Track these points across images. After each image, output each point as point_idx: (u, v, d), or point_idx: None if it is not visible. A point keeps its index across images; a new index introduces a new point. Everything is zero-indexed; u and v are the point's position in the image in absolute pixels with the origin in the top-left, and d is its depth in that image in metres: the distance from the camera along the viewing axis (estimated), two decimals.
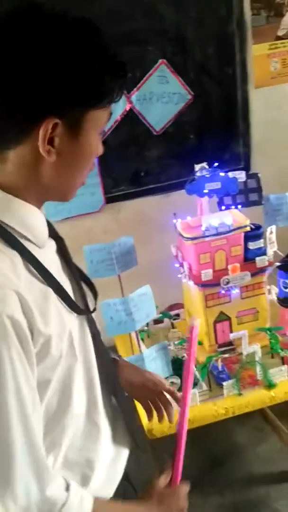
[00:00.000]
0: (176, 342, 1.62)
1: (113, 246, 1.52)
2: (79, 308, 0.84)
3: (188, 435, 1.10)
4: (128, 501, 0.93)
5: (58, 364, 0.77)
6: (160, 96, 2.11)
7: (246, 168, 2.27)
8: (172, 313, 1.85)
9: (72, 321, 0.82)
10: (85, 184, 0.83)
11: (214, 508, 1.96)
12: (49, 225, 0.86)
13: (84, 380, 0.86)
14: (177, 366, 1.56)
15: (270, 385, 1.47)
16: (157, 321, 1.82)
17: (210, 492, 2.00)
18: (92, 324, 0.89)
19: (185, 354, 1.63)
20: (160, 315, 1.78)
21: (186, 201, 1.64)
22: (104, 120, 0.78)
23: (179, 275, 1.67)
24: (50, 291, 0.77)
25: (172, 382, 1.44)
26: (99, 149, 0.81)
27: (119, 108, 2.07)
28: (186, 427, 1.00)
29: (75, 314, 0.83)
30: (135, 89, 2.06)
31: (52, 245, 0.86)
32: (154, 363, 1.40)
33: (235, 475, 2.07)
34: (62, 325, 0.78)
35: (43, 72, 0.68)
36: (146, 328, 1.79)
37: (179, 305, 1.88)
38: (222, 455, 2.16)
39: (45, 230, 0.82)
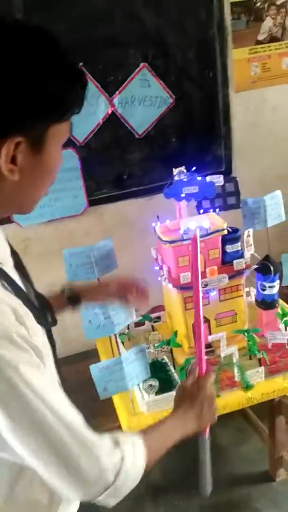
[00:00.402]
0: (156, 345, 1.63)
1: (92, 249, 1.52)
2: (46, 321, 0.85)
3: None
4: (165, 417, 1.00)
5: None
6: (142, 100, 2.13)
7: (227, 171, 2.30)
8: (153, 315, 1.86)
9: (44, 335, 0.84)
10: (47, 195, 0.82)
11: (197, 509, 1.97)
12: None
13: None
14: (157, 368, 1.58)
15: (247, 387, 1.48)
16: (138, 324, 1.83)
17: (193, 494, 2.01)
18: (51, 336, 0.90)
19: (165, 357, 1.64)
20: (141, 317, 1.79)
21: (168, 203, 1.66)
22: (66, 133, 0.77)
23: (159, 278, 1.68)
24: (22, 305, 0.78)
25: (150, 385, 1.45)
26: (61, 161, 0.79)
27: (101, 111, 2.08)
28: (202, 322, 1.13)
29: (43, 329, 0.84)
30: (117, 92, 2.07)
31: (10, 261, 0.86)
32: (132, 366, 1.41)
33: (218, 476, 2.05)
34: (42, 340, 0.81)
35: (2, 90, 0.66)
36: (127, 331, 1.80)
37: (161, 308, 1.89)
38: None
39: (6, 247, 0.83)
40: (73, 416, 0.75)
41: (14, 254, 0.88)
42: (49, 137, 0.73)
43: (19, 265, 0.88)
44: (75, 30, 1.92)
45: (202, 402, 1.03)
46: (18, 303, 0.75)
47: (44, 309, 0.91)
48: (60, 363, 0.97)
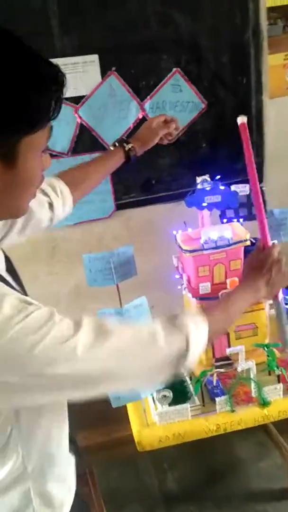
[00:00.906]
0: None
1: (112, 255, 1.52)
2: None
3: (188, 447, 1.21)
4: (236, 287, 1.12)
5: None
6: (173, 105, 2.11)
7: (258, 179, 2.24)
8: None
9: None
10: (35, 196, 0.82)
11: None
12: None
13: None
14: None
15: (264, 403, 1.44)
16: None
17: (208, 506, 1.99)
18: None
19: None
20: None
21: (196, 210, 1.63)
22: (43, 140, 0.74)
23: (179, 287, 1.66)
24: None
25: (164, 396, 1.43)
26: (46, 164, 0.79)
27: (132, 116, 2.07)
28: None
29: None
30: (148, 97, 2.06)
31: (3, 265, 0.88)
32: None
33: (234, 490, 2.04)
34: None
35: None
36: None
37: None
38: (222, 468, 2.14)
39: None
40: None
41: (6, 258, 0.90)
42: (22, 150, 0.70)
43: (11, 270, 0.89)
44: (108, 34, 1.92)
45: (270, 268, 1.09)
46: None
47: None
48: None
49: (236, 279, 1.51)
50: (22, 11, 1.81)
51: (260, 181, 2.24)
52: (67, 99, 1.93)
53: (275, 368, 1.48)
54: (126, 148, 1.35)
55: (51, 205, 1.15)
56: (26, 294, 0.91)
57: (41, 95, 0.67)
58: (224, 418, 1.43)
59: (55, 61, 0.72)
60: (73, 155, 2.07)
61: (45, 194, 1.13)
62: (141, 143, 1.40)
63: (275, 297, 1.19)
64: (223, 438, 1.48)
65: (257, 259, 1.14)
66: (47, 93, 0.68)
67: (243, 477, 2.09)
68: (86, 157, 2.08)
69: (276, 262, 1.11)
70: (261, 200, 1.30)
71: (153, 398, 1.48)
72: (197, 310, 0.93)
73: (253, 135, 2.20)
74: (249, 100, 2.14)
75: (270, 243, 1.22)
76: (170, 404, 1.44)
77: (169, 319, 0.86)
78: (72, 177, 1.25)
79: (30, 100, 0.66)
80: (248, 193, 1.57)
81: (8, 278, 0.85)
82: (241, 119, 1.33)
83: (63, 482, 0.97)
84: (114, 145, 1.38)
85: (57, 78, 0.69)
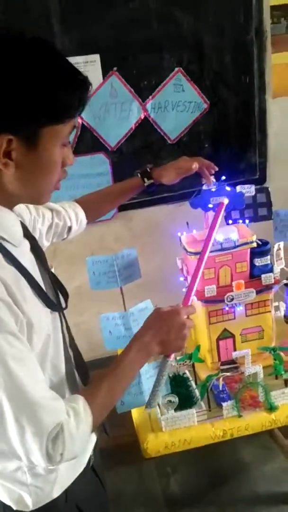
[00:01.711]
0: (177, 358, 1.58)
1: (116, 258, 1.50)
2: (53, 302, 0.91)
3: (192, 450, 1.30)
4: (125, 348, 0.97)
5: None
6: (175, 105, 2.08)
7: (261, 179, 2.22)
8: None
9: (46, 315, 0.89)
10: (59, 189, 0.89)
11: None
12: (23, 225, 0.93)
13: (52, 371, 0.92)
14: (177, 383, 1.53)
15: (271, 408, 1.42)
16: None
17: (212, 510, 1.97)
18: (64, 320, 0.97)
19: (186, 371, 1.59)
20: None
21: (198, 211, 1.61)
22: (65, 133, 0.82)
23: (184, 289, 1.63)
24: (27, 286, 0.84)
25: (170, 401, 1.41)
26: (67, 160, 0.85)
27: (134, 116, 2.05)
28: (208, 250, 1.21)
29: (48, 310, 0.90)
30: (150, 97, 2.03)
31: (26, 244, 0.93)
32: (152, 381, 1.37)
33: (239, 494, 2.02)
34: (39, 316, 0.85)
35: None
36: None
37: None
38: (226, 472, 2.11)
39: (19, 230, 0.89)
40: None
41: (30, 238, 0.95)
42: (44, 137, 0.78)
43: (35, 248, 0.94)
44: (110, 33, 1.89)
45: (170, 328, 0.98)
46: (15, 278, 0.81)
47: (57, 294, 0.97)
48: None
49: (242, 281, 1.49)
50: (23, 10, 1.78)
51: (264, 181, 2.24)
52: None
53: (283, 372, 1.45)
54: (146, 184, 1.39)
55: (69, 228, 1.28)
56: (50, 274, 0.97)
57: (68, 92, 0.77)
58: (231, 424, 1.40)
59: None
60: (74, 156, 2.04)
61: (65, 218, 1.26)
62: (163, 178, 1.39)
63: (168, 355, 1.06)
64: (227, 441, 1.46)
65: (163, 313, 1.01)
66: (73, 91, 0.78)
67: (247, 481, 2.06)
68: (88, 158, 2.06)
69: (182, 324, 0.99)
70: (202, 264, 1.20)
71: (158, 403, 1.46)
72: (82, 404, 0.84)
73: (256, 135, 2.18)
74: (252, 99, 2.11)
75: (189, 303, 1.11)
76: (176, 410, 1.41)
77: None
78: (88, 202, 1.36)
79: (59, 94, 0.76)
80: (253, 194, 1.55)
81: (30, 262, 0.90)
82: (224, 200, 1.37)
83: None
84: (137, 174, 1.40)
85: (84, 81, 0.80)
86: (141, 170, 1.39)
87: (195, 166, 1.38)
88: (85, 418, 0.83)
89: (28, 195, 0.85)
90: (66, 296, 1.01)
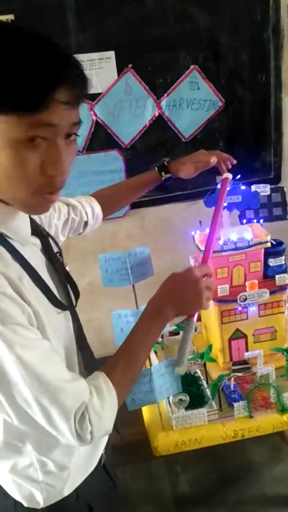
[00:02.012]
0: (189, 357, 1.58)
1: (129, 256, 1.49)
2: (60, 301, 0.87)
3: (201, 450, 1.27)
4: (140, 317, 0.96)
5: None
6: (190, 102, 2.08)
7: (276, 179, 2.21)
8: None
9: (54, 314, 0.86)
10: (55, 201, 0.78)
11: None
12: (35, 223, 0.90)
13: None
14: (188, 382, 1.53)
15: (283, 409, 1.41)
16: (172, 333, 1.78)
17: (220, 511, 1.95)
18: (75, 318, 0.94)
19: (197, 370, 1.59)
20: (176, 327, 1.74)
21: (212, 210, 1.60)
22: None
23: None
24: (33, 285, 0.81)
25: (181, 399, 1.40)
26: (48, 167, 0.71)
27: (149, 113, 2.05)
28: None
29: (56, 309, 0.87)
30: (165, 94, 2.03)
31: (37, 243, 0.89)
32: (163, 379, 1.36)
33: (248, 495, 2.01)
34: (47, 313, 0.82)
35: None
36: (160, 339, 1.76)
37: (197, 318, 1.83)
38: (235, 473, 2.10)
39: (26, 229, 0.84)
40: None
41: (44, 237, 0.91)
42: None
43: (47, 249, 0.91)
44: (125, 31, 1.89)
45: (184, 286, 0.95)
46: (28, 285, 0.78)
47: (68, 293, 0.94)
48: (97, 364, 0.99)
49: (256, 281, 1.47)
50: (38, 7, 1.78)
51: (279, 180, 2.22)
52: None
53: None
54: (163, 178, 1.36)
55: (86, 223, 1.26)
56: (64, 272, 0.95)
57: (10, 82, 0.64)
58: (242, 424, 1.39)
59: None
60: (88, 153, 2.05)
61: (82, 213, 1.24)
62: (180, 172, 1.37)
63: (190, 316, 1.03)
64: (237, 441, 1.44)
65: (175, 274, 0.98)
66: (18, 81, 0.64)
67: (257, 482, 2.05)
68: (101, 155, 2.06)
69: (195, 281, 0.95)
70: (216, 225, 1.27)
71: (169, 402, 1.45)
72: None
73: (272, 134, 2.16)
74: (268, 98, 2.10)
75: (208, 263, 1.12)
76: (186, 409, 1.41)
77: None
78: (104, 197, 1.33)
79: (11, 82, 0.64)
80: (268, 193, 1.53)
81: (39, 261, 0.87)
82: (228, 175, 1.40)
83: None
84: (154, 167, 1.37)
85: (46, 75, 0.66)
86: (158, 163, 1.37)
87: (213, 160, 1.36)
88: (108, 393, 0.83)
89: (12, 201, 0.76)
90: (77, 295, 0.99)
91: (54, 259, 0.92)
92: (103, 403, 0.81)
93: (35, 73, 0.64)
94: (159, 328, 0.94)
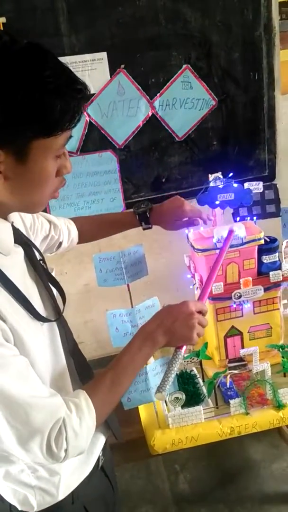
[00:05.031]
0: (185, 355, 1.58)
1: (123, 255, 1.49)
2: (40, 316, 0.87)
3: (200, 448, 1.26)
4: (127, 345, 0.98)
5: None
6: (183, 102, 2.08)
7: (270, 176, 2.21)
8: None
9: (36, 327, 0.86)
10: (57, 197, 0.87)
11: None
12: (18, 232, 0.91)
13: (53, 377, 0.90)
14: (184, 380, 1.53)
15: (279, 406, 1.41)
16: None
17: (220, 508, 1.96)
18: (63, 325, 0.95)
19: (193, 368, 1.59)
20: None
21: (207, 208, 1.60)
22: (58, 146, 0.78)
23: (191, 287, 1.63)
24: (12, 300, 0.81)
25: (177, 398, 1.40)
26: (63, 169, 0.83)
27: (142, 114, 2.05)
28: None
29: (38, 321, 0.87)
30: (158, 94, 2.03)
31: (19, 251, 0.90)
32: (158, 377, 1.36)
33: (247, 492, 2.01)
34: (28, 328, 0.83)
35: None
36: None
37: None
38: (235, 470, 2.11)
39: (9, 238, 0.86)
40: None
41: (26, 246, 0.92)
42: (34, 150, 0.75)
43: (30, 257, 0.92)
44: (117, 31, 1.89)
45: (177, 317, 0.98)
46: (5, 299, 0.79)
47: (54, 301, 0.95)
48: (94, 364, 1.02)
49: (250, 279, 1.48)
50: (30, 9, 1.78)
51: (273, 178, 2.22)
52: None
53: None
54: (143, 227, 1.39)
55: (60, 244, 1.28)
56: (51, 281, 0.96)
57: (60, 105, 0.72)
58: (238, 421, 1.40)
59: (64, 59, 0.80)
60: (82, 154, 2.05)
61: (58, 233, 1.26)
62: (161, 224, 1.41)
63: (179, 348, 1.04)
64: (235, 439, 1.45)
65: (171, 306, 1.02)
66: (66, 104, 0.73)
67: (256, 479, 2.05)
68: (95, 156, 2.06)
69: (189, 315, 0.98)
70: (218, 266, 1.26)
71: (165, 400, 1.46)
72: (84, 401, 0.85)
73: (265, 132, 2.16)
74: (261, 96, 2.10)
75: (204, 301, 1.12)
76: (183, 407, 1.41)
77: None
78: (83, 226, 1.37)
79: (48, 107, 0.72)
80: (261, 190, 1.54)
81: (21, 271, 0.88)
82: (234, 227, 1.44)
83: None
84: (136, 213, 1.37)
85: (78, 92, 0.75)
86: (140, 209, 1.37)
87: (197, 222, 1.39)
88: (87, 412, 0.83)
89: (19, 205, 0.83)
90: (64, 301, 0.99)
91: (37, 266, 0.93)
92: (81, 421, 0.81)
93: (69, 97, 0.74)
94: (147, 353, 0.96)
